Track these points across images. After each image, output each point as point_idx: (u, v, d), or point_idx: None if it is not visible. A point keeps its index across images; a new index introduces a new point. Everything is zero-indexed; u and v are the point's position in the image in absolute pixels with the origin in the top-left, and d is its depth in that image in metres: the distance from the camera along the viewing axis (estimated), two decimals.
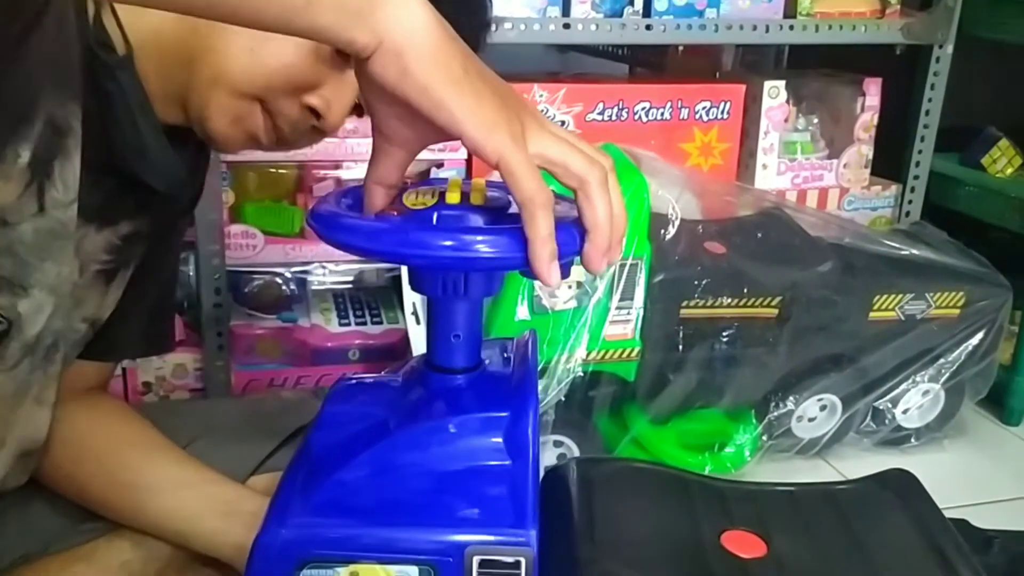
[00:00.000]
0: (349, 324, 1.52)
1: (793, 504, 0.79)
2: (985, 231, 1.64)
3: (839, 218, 1.57)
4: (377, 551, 0.52)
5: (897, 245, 1.44)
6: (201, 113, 0.71)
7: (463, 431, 0.57)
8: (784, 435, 1.38)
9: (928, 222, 1.62)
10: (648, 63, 1.77)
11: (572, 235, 0.54)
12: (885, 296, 1.37)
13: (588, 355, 1.24)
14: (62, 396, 0.79)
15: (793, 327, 1.33)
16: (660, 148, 1.48)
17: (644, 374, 1.29)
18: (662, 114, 1.51)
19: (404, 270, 1.29)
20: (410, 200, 0.57)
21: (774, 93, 1.55)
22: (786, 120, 1.59)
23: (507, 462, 0.55)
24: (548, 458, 1.27)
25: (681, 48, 1.68)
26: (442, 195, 0.57)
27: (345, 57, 0.59)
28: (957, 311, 1.41)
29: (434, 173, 1.45)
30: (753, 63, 1.89)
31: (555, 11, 1.38)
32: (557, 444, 1.30)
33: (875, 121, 1.62)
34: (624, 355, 1.28)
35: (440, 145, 1.41)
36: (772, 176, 1.59)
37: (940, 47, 1.58)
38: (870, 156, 1.63)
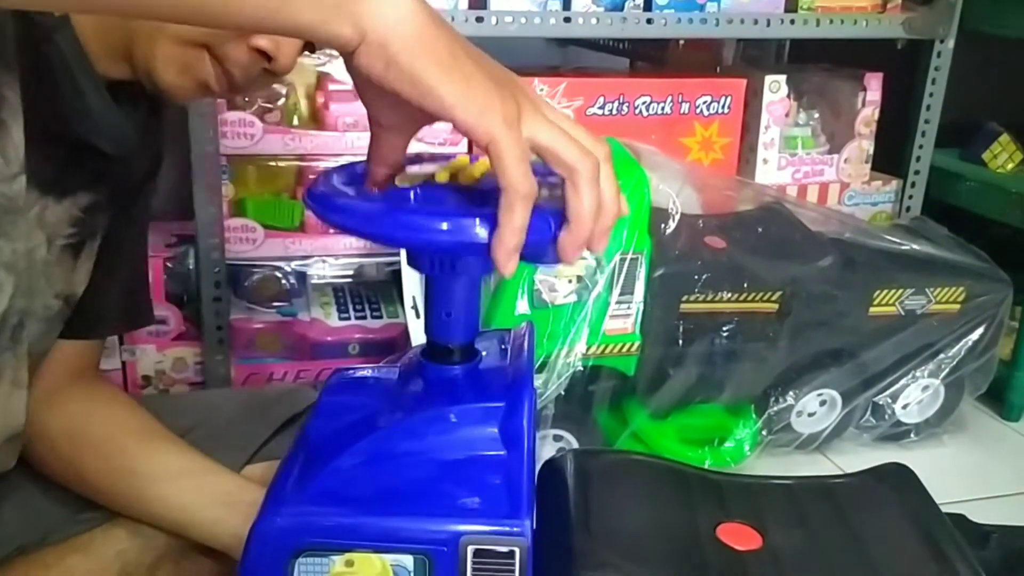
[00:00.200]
0: (349, 318, 1.52)
1: (789, 497, 0.79)
2: (986, 226, 1.64)
3: (839, 213, 1.57)
4: (372, 540, 0.52)
5: (897, 240, 1.44)
6: (147, 65, 0.68)
7: (459, 421, 0.57)
8: (784, 430, 1.38)
9: (928, 217, 1.62)
10: (649, 57, 1.77)
11: (547, 223, 0.52)
12: (885, 291, 1.37)
13: (588, 349, 1.24)
14: (57, 382, 0.79)
15: (793, 322, 1.33)
16: (660, 142, 1.48)
17: (644, 369, 1.30)
18: (663, 108, 1.50)
19: (403, 265, 1.30)
20: (402, 178, 0.57)
21: (775, 88, 1.55)
22: (787, 115, 1.59)
23: (502, 452, 0.56)
24: (548, 452, 1.27)
25: (682, 42, 1.67)
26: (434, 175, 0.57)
27: None
28: (957, 306, 1.40)
29: None
30: (754, 57, 1.89)
31: (556, 5, 1.38)
32: (557, 438, 1.30)
33: (876, 116, 1.61)
34: (624, 349, 1.28)
35: (440, 139, 1.41)
36: (773, 171, 1.59)
37: (941, 42, 1.58)
38: (871, 151, 1.63)
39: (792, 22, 1.48)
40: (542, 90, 1.44)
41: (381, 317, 1.53)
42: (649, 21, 1.41)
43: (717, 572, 0.66)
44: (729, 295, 1.29)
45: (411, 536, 0.52)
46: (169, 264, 1.43)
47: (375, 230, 0.53)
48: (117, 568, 0.77)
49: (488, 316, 1.23)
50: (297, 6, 0.48)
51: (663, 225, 1.28)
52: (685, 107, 1.52)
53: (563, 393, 1.24)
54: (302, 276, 1.52)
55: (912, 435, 1.47)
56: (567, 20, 1.38)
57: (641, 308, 1.26)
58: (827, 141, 1.65)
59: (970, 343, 1.42)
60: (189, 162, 1.32)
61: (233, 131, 1.34)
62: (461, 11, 1.34)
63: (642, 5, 1.41)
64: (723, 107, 1.53)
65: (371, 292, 1.58)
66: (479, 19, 1.34)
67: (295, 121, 1.41)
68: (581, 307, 1.24)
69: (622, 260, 1.23)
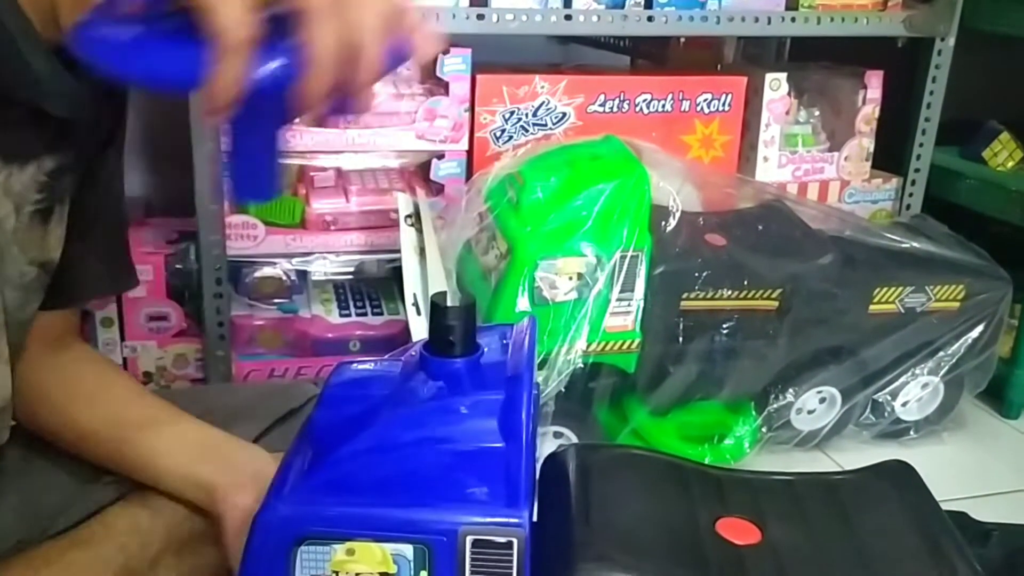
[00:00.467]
0: (350, 315, 1.52)
1: (789, 493, 0.79)
2: (986, 224, 1.64)
3: (840, 211, 1.57)
4: (373, 529, 0.53)
5: (897, 238, 1.45)
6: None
7: (459, 413, 0.57)
8: (783, 427, 1.38)
9: (929, 215, 1.63)
10: (649, 55, 1.77)
11: (276, 56, 0.44)
12: (885, 289, 1.37)
13: (588, 346, 1.25)
14: (38, 348, 0.79)
15: (793, 319, 1.33)
16: (661, 140, 1.48)
17: (644, 366, 1.30)
18: (663, 106, 1.51)
19: (404, 262, 1.30)
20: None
21: (775, 85, 1.55)
22: (787, 112, 1.59)
23: (501, 444, 0.56)
24: (548, 449, 1.27)
25: (683, 40, 1.68)
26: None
27: None
28: (957, 304, 1.41)
29: (435, 164, 1.45)
30: (754, 55, 1.90)
31: (557, 2, 1.38)
32: (557, 435, 1.30)
33: (876, 114, 1.62)
34: (624, 347, 1.28)
35: (441, 136, 1.42)
36: (773, 169, 1.59)
37: (942, 40, 1.58)
38: (871, 149, 1.63)
39: (793, 20, 1.48)
40: (543, 87, 1.45)
41: (382, 314, 1.53)
42: (650, 19, 1.42)
43: (716, 566, 0.66)
44: (729, 292, 1.30)
45: (411, 526, 0.53)
46: (170, 261, 1.43)
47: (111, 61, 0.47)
48: (119, 562, 0.78)
49: (489, 313, 1.24)
50: None
51: (663, 223, 1.28)
52: (686, 105, 1.52)
53: (563, 390, 1.24)
54: (303, 273, 1.52)
55: (912, 433, 1.47)
56: (568, 17, 1.38)
57: (641, 305, 1.26)
58: (827, 139, 1.65)
59: (970, 341, 1.42)
60: (190, 159, 1.33)
61: None
62: (462, 8, 1.34)
63: (643, 3, 1.42)
64: (724, 105, 1.53)
65: (372, 289, 1.59)
66: (480, 16, 1.35)
67: None
68: (581, 304, 1.24)
69: (623, 257, 1.23)
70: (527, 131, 1.46)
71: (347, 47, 0.43)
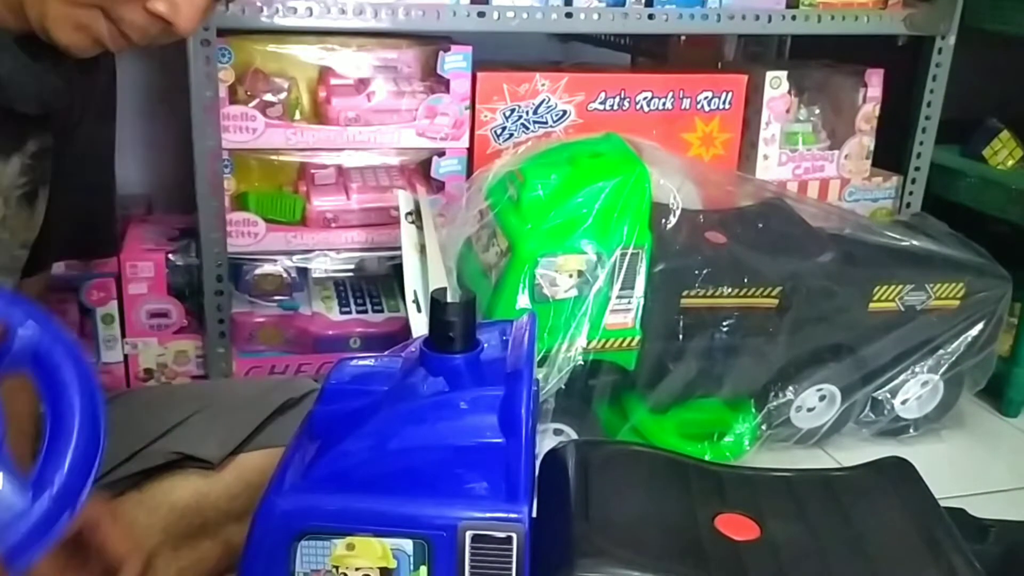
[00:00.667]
0: (350, 312, 1.52)
1: (788, 489, 0.80)
2: (986, 223, 1.64)
3: (840, 209, 1.57)
4: (372, 524, 0.53)
5: (897, 236, 1.45)
6: (41, 24, 0.67)
7: (459, 409, 0.58)
8: (783, 425, 1.39)
9: (929, 213, 1.63)
10: (650, 53, 1.77)
11: None
12: (885, 287, 1.37)
13: (588, 344, 1.25)
14: None
15: (793, 317, 1.33)
16: (662, 138, 1.48)
17: (644, 363, 1.30)
18: (664, 104, 1.51)
19: (405, 259, 1.30)
20: None
21: (776, 84, 1.55)
22: (788, 111, 1.59)
23: (501, 440, 0.56)
24: (548, 446, 1.27)
25: (683, 38, 1.68)
26: None
27: None
28: (957, 302, 1.41)
29: (435, 162, 1.45)
30: (755, 53, 1.89)
31: (557, 0, 1.38)
32: (557, 432, 1.30)
33: (877, 112, 1.62)
34: (624, 344, 1.28)
35: (442, 134, 1.42)
36: (773, 167, 1.59)
37: (942, 38, 1.58)
38: (871, 147, 1.63)
39: (793, 18, 1.48)
40: (544, 85, 1.45)
41: (382, 311, 1.54)
42: (651, 17, 1.42)
43: (715, 561, 0.66)
44: (729, 290, 1.30)
45: (411, 521, 0.53)
46: (171, 258, 1.43)
47: None
48: None
49: (489, 310, 1.24)
50: None
51: (664, 220, 1.28)
52: (686, 103, 1.52)
53: (563, 387, 1.24)
54: (303, 270, 1.52)
55: (911, 430, 1.47)
56: (569, 15, 1.39)
57: (641, 303, 1.26)
58: (828, 137, 1.65)
59: (969, 339, 1.42)
60: (191, 156, 1.33)
61: (235, 125, 1.34)
62: (463, 5, 1.34)
63: (644, 1, 1.42)
64: (724, 103, 1.53)
65: (372, 286, 1.59)
66: (481, 14, 1.35)
67: (297, 115, 1.42)
68: (582, 302, 1.24)
69: (623, 255, 1.23)
70: (528, 129, 1.47)
71: None
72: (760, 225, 1.38)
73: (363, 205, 1.44)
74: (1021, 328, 1.56)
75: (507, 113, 1.45)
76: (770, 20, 1.47)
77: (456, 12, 1.34)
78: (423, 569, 0.54)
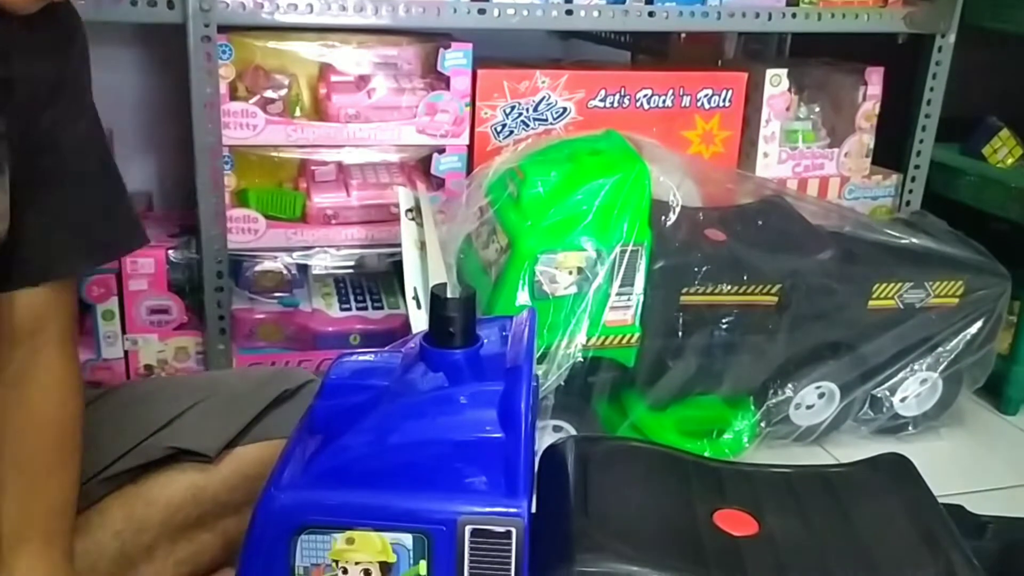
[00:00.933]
0: (350, 309, 1.52)
1: (787, 485, 0.80)
2: (985, 221, 1.65)
3: (840, 207, 1.57)
4: (372, 519, 0.53)
5: (897, 234, 1.45)
6: None
7: (458, 404, 0.58)
8: (782, 422, 1.39)
9: (928, 211, 1.63)
10: (650, 50, 1.77)
11: None
12: (884, 284, 1.37)
13: (588, 341, 1.25)
14: (29, 343, 0.74)
15: (792, 315, 1.33)
16: (661, 135, 1.48)
17: (643, 360, 1.30)
18: (664, 101, 1.51)
19: (405, 256, 1.30)
20: None
21: (776, 81, 1.55)
22: (788, 108, 1.59)
23: (500, 435, 0.56)
24: (547, 442, 1.28)
25: (683, 35, 1.68)
26: None
27: None
28: (956, 300, 1.41)
29: (435, 159, 1.45)
30: (755, 51, 1.90)
31: None
32: (556, 429, 1.30)
33: (876, 110, 1.62)
34: (624, 341, 1.28)
35: (442, 131, 1.42)
36: (773, 164, 1.59)
37: (942, 36, 1.58)
38: (871, 145, 1.64)
39: (794, 16, 1.48)
40: (544, 82, 1.45)
41: (382, 308, 1.54)
42: (651, 14, 1.42)
43: (713, 557, 0.66)
44: (729, 288, 1.30)
45: (410, 516, 0.53)
46: (171, 254, 1.44)
47: None
48: (115, 548, 0.78)
49: (489, 307, 1.24)
50: None
51: (663, 217, 1.29)
52: (686, 100, 1.52)
53: (563, 384, 1.24)
54: (303, 267, 1.52)
55: (910, 428, 1.47)
56: (569, 13, 1.39)
57: (641, 300, 1.26)
58: (828, 135, 1.65)
59: (968, 337, 1.42)
60: (192, 153, 1.33)
61: (235, 122, 1.34)
62: (463, 3, 1.34)
63: None
64: (724, 100, 1.54)
65: (372, 283, 1.59)
66: (481, 11, 1.35)
67: (297, 112, 1.42)
68: (581, 298, 1.24)
69: (623, 252, 1.24)
70: (528, 126, 1.47)
71: None
72: (760, 223, 1.39)
73: (363, 202, 1.44)
74: (1020, 326, 1.56)
75: (507, 110, 1.45)
76: (770, 18, 1.47)
77: (456, 9, 1.34)
78: (423, 563, 0.54)
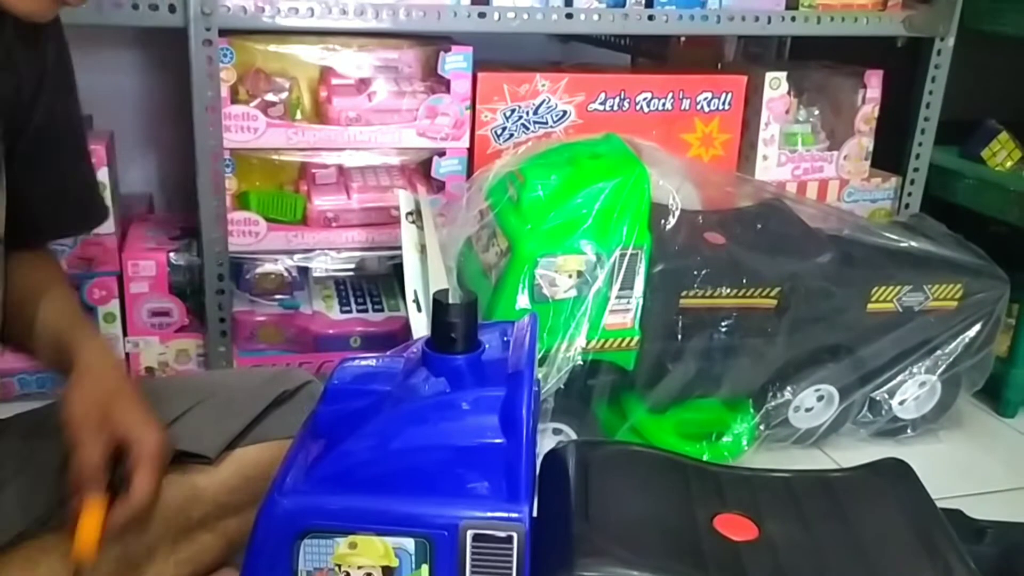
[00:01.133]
0: (350, 311, 1.53)
1: (787, 490, 0.80)
2: (984, 224, 1.65)
3: (839, 210, 1.58)
4: (375, 523, 0.54)
5: (896, 237, 1.45)
6: None
7: (460, 409, 0.58)
8: (781, 425, 1.39)
9: (927, 215, 1.63)
10: (650, 54, 1.77)
11: None
12: (883, 288, 1.38)
13: (588, 344, 1.25)
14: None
15: (792, 318, 1.34)
16: (661, 138, 1.48)
17: (643, 363, 1.30)
18: (663, 104, 1.51)
19: (405, 259, 1.31)
20: None
21: (775, 84, 1.56)
22: (787, 111, 1.59)
23: (502, 440, 0.57)
24: (547, 446, 1.28)
25: (683, 39, 1.68)
26: None
27: None
28: (955, 303, 1.41)
29: (436, 162, 1.45)
30: (755, 54, 1.90)
31: (558, 1, 1.38)
32: (556, 432, 1.30)
33: (876, 113, 1.62)
34: (623, 344, 1.29)
35: (442, 134, 1.42)
36: (772, 167, 1.60)
37: (941, 40, 1.59)
38: (870, 148, 1.64)
39: (793, 19, 1.49)
40: (544, 86, 1.45)
41: (382, 310, 1.54)
42: (651, 18, 1.42)
43: (713, 561, 0.67)
44: (728, 291, 1.30)
45: (412, 520, 0.54)
46: (172, 257, 1.44)
47: None
48: (117, 550, 0.79)
49: (489, 310, 1.24)
50: None
51: (663, 221, 1.29)
52: (686, 103, 1.52)
53: (563, 387, 1.25)
54: (304, 269, 1.52)
55: (908, 431, 1.48)
56: (569, 16, 1.39)
57: (641, 303, 1.27)
58: (827, 138, 1.66)
59: (967, 340, 1.43)
60: (193, 156, 1.33)
61: (236, 125, 1.34)
62: (464, 6, 1.35)
63: (644, 2, 1.42)
64: (724, 103, 1.54)
65: (372, 285, 1.59)
66: (481, 15, 1.35)
67: (298, 115, 1.42)
68: (581, 302, 1.24)
69: (622, 255, 1.24)
70: (528, 129, 1.47)
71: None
72: (759, 226, 1.39)
73: (364, 205, 1.45)
74: (1019, 329, 1.56)
75: (507, 113, 1.45)
76: (770, 21, 1.47)
77: (457, 13, 1.34)
78: (425, 568, 0.54)
